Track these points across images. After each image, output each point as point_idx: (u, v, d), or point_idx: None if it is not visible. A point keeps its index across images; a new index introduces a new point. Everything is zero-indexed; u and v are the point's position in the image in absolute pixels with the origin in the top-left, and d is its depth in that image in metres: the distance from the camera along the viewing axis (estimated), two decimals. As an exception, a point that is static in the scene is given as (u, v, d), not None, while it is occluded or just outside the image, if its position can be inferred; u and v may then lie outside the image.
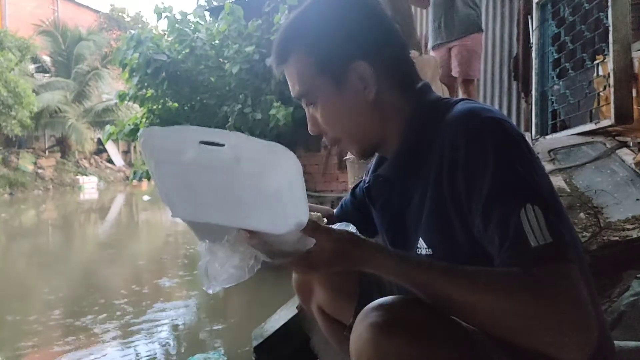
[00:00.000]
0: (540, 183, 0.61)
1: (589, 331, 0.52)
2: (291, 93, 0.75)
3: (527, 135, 2.68)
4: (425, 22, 4.16)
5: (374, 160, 0.82)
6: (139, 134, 0.57)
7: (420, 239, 0.68)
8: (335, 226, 0.72)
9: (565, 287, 0.54)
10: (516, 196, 0.58)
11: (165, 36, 4.56)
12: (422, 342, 0.55)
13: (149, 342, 2.74)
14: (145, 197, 11.97)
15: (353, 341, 0.59)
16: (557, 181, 2.02)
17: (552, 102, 2.65)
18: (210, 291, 0.60)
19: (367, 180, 0.79)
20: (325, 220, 0.69)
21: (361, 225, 0.84)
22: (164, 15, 4.36)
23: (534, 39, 2.75)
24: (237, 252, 0.59)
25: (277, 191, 0.54)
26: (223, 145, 0.54)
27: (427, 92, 0.73)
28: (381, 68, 0.70)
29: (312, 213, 0.70)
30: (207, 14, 5.04)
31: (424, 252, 0.68)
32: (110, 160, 18.64)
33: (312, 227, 0.59)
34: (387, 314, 0.57)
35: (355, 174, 2.67)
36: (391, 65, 0.71)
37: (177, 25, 4.37)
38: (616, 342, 0.91)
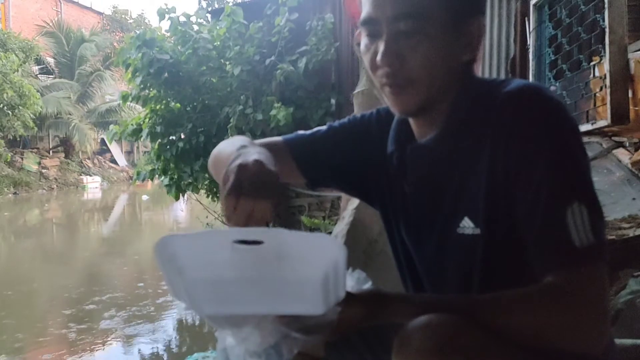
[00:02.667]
0: (589, 178, 0.59)
1: (605, 331, 0.56)
2: (386, 7, 0.62)
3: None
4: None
5: (391, 132, 0.74)
6: (154, 247, 0.55)
7: (466, 217, 0.64)
8: (352, 278, 0.68)
9: (596, 291, 0.55)
10: (567, 192, 0.57)
11: (168, 37, 4.61)
12: None
13: (152, 340, 2.77)
14: (144, 197, 12.05)
15: None
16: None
17: (550, 103, 2.66)
18: None
19: (392, 149, 0.72)
20: (364, 274, 0.67)
21: (315, 175, 0.79)
22: (167, 16, 4.41)
23: (531, 41, 2.77)
24: (262, 331, 0.58)
25: (324, 279, 0.54)
26: (261, 242, 0.53)
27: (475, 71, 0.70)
28: (484, 34, 0.67)
29: (356, 274, 0.67)
30: (208, 16, 5.07)
31: (469, 231, 0.64)
32: (113, 161, 18.73)
33: (346, 299, 0.58)
34: (436, 336, 0.54)
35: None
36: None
37: (179, 27, 4.42)
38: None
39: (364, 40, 0.66)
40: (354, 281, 0.68)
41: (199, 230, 0.55)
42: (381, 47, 0.63)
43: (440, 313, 0.56)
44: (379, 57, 0.63)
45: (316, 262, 0.53)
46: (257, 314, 0.57)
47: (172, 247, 0.55)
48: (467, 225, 0.64)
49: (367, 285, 0.67)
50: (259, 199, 0.61)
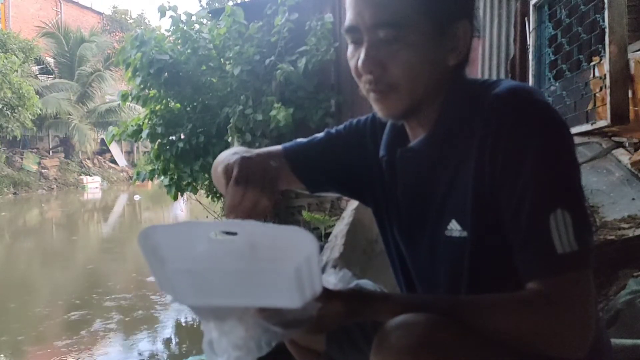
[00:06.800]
0: (576, 185, 0.59)
1: (587, 337, 0.56)
2: (365, 16, 0.62)
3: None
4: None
5: (384, 136, 0.74)
6: (137, 237, 0.55)
7: (454, 220, 0.64)
8: (337, 277, 0.69)
9: (578, 297, 0.56)
10: (550, 199, 0.57)
11: (168, 36, 4.60)
12: None
13: (151, 341, 2.77)
14: (136, 197, 12.14)
15: None
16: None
17: (549, 103, 2.66)
18: None
19: (384, 154, 0.72)
20: (350, 274, 0.69)
21: (315, 180, 0.80)
22: (168, 14, 4.41)
23: (530, 41, 2.77)
24: (244, 324, 0.58)
25: (297, 271, 0.54)
26: (235, 234, 0.54)
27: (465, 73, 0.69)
28: (472, 37, 0.66)
29: (342, 272, 0.68)
30: (209, 16, 5.08)
31: (456, 234, 0.64)
32: (113, 161, 18.74)
33: (325, 295, 0.59)
34: (412, 334, 0.54)
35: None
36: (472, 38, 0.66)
37: (181, 25, 4.42)
38: (613, 340, 0.94)
39: (349, 47, 0.67)
40: (337, 279, 0.69)
41: (180, 222, 0.56)
42: (362, 55, 0.63)
43: (419, 313, 0.57)
44: (359, 65, 0.64)
45: (288, 255, 0.54)
46: (236, 305, 0.58)
47: (154, 238, 0.55)
48: (454, 228, 0.64)
49: (353, 285, 0.68)
50: (263, 190, 0.65)
